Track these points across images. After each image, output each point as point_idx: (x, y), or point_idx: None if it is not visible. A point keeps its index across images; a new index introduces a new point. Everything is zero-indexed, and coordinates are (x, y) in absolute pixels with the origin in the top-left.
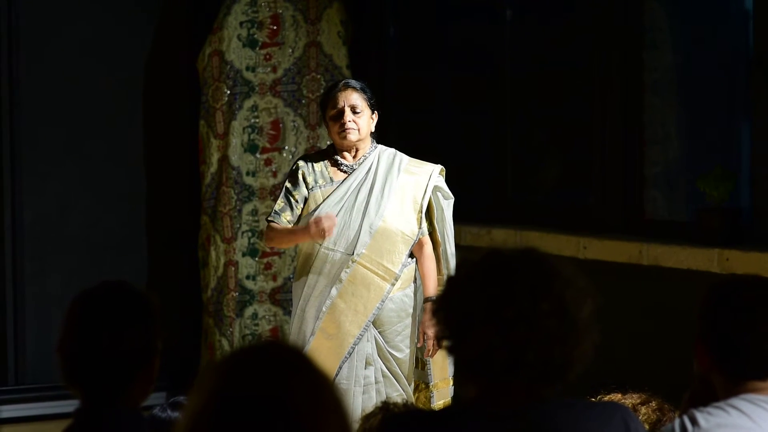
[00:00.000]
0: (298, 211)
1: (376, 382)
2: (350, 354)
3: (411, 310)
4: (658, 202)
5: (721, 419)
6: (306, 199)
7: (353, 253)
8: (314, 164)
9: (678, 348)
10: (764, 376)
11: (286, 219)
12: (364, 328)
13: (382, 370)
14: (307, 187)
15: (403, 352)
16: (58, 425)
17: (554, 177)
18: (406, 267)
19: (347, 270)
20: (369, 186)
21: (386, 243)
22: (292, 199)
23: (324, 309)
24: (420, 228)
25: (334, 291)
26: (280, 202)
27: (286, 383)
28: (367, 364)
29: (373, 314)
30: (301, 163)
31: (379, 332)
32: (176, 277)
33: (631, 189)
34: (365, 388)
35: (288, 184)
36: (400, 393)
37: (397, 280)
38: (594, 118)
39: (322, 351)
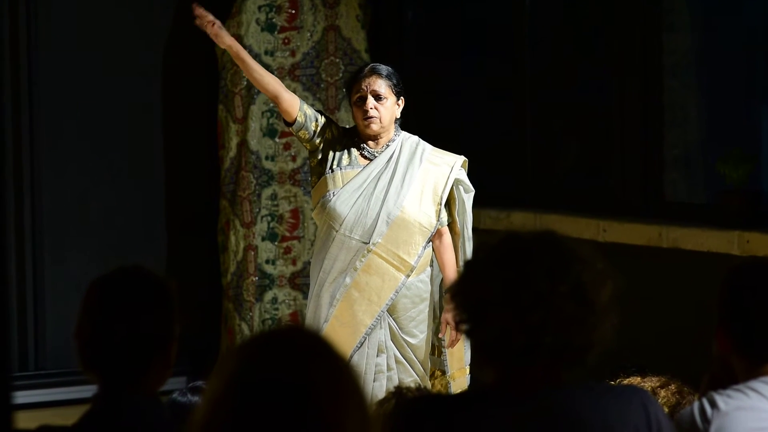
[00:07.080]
0: (310, 121)
1: (389, 370)
2: (362, 344)
3: (426, 296)
4: (678, 185)
5: (740, 402)
6: (315, 133)
7: (369, 242)
8: (347, 140)
9: (697, 331)
10: None
11: (305, 106)
12: (377, 318)
13: (396, 357)
14: (328, 147)
15: (417, 337)
16: (78, 410)
17: (573, 160)
18: (421, 255)
19: (362, 259)
20: (390, 174)
21: (403, 233)
22: (321, 117)
23: (338, 296)
24: (438, 220)
25: (348, 279)
26: (316, 109)
27: (306, 368)
28: (380, 351)
29: (387, 304)
30: (343, 130)
31: (394, 318)
32: (196, 261)
33: (651, 171)
34: (376, 375)
35: (328, 118)
36: (414, 379)
37: (412, 272)
38: (613, 101)
39: (334, 338)
